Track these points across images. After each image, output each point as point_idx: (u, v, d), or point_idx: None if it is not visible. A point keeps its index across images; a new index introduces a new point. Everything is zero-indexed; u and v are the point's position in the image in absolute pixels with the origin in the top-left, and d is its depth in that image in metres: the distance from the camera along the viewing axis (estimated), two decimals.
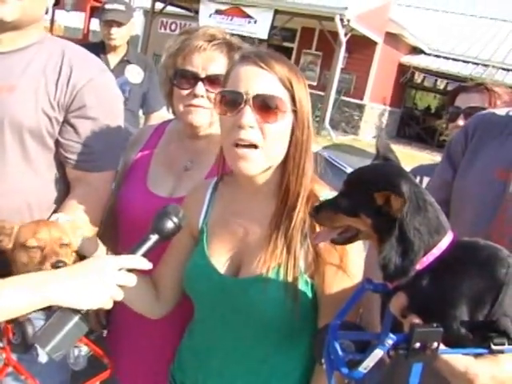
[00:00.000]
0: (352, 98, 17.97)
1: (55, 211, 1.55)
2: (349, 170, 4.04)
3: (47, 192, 1.62)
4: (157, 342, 1.66)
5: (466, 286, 0.91)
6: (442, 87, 18.80)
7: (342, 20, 14.64)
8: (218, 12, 16.04)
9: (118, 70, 3.82)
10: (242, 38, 1.75)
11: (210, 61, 1.60)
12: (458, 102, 2.42)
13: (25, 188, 1.56)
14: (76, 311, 1.11)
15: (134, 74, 3.98)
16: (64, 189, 1.65)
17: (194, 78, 1.61)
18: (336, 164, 4.38)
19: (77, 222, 1.33)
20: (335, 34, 14.99)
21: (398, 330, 0.95)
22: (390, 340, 0.89)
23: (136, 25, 4.52)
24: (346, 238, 1.06)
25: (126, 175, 1.77)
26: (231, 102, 1.27)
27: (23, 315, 1.16)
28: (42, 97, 1.53)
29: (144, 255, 1.22)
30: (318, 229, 1.27)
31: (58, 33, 17.30)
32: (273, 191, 1.36)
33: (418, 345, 0.87)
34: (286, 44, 18.13)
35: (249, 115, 1.24)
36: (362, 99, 17.95)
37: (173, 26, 20.56)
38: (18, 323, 1.26)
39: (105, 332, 1.75)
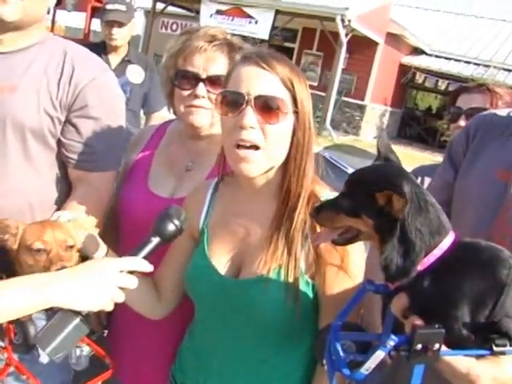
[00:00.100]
0: (353, 99, 17.97)
1: (57, 211, 1.55)
2: (350, 171, 4.04)
3: (49, 192, 1.62)
4: (157, 342, 1.66)
5: (468, 287, 0.91)
6: (443, 88, 18.79)
7: (342, 20, 14.63)
8: (218, 12, 16.04)
9: (119, 70, 3.82)
10: (243, 38, 1.75)
11: (210, 61, 1.60)
12: (459, 102, 2.42)
13: (26, 188, 1.56)
14: (77, 313, 1.11)
15: (135, 74, 3.98)
16: (66, 189, 1.65)
17: (194, 79, 1.60)
18: (337, 164, 4.38)
19: (79, 221, 1.32)
20: (336, 35, 14.99)
21: (400, 331, 0.95)
22: (392, 341, 0.89)
23: (137, 25, 4.53)
24: (347, 238, 1.06)
25: (127, 175, 1.77)
26: (233, 103, 1.27)
27: (25, 315, 1.16)
28: (43, 97, 1.53)
29: (145, 257, 1.22)
30: (318, 230, 1.27)
31: (59, 33, 17.32)
32: (273, 192, 1.36)
33: (419, 346, 0.87)
34: (286, 44, 18.12)
35: (250, 116, 1.24)
36: (362, 100, 17.95)
37: (174, 26, 20.56)
38: (19, 323, 1.26)
39: (105, 332, 1.75)
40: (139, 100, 4.04)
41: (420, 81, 19.44)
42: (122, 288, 1.15)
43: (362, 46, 16.79)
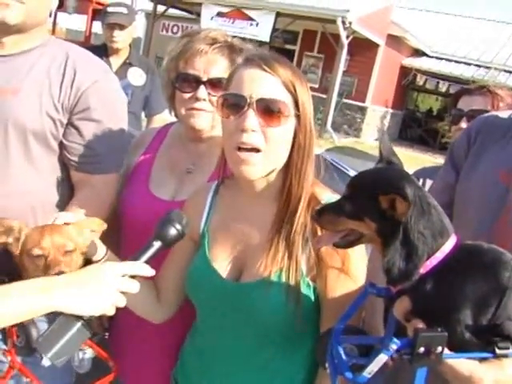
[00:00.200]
0: (354, 101, 17.95)
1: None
2: (351, 173, 4.06)
3: (51, 194, 1.62)
4: (159, 345, 1.66)
5: (470, 290, 0.91)
6: (443, 89, 18.78)
7: (343, 22, 14.62)
8: (219, 15, 16.04)
9: (121, 73, 3.82)
10: (244, 40, 1.75)
11: (211, 64, 1.60)
12: (460, 104, 2.42)
13: (28, 190, 1.57)
14: (78, 317, 1.10)
15: (137, 76, 3.98)
16: (68, 191, 1.65)
17: (195, 82, 1.60)
18: (339, 167, 4.37)
19: (82, 222, 1.32)
20: (337, 37, 14.98)
21: (402, 334, 0.95)
22: (394, 345, 0.89)
23: (138, 27, 4.53)
24: (349, 241, 1.06)
25: (129, 178, 1.77)
26: (234, 105, 1.27)
27: None
28: (46, 99, 1.53)
29: (147, 262, 1.22)
30: (319, 233, 1.27)
31: (60, 35, 17.34)
32: (274, 195, 1.36)
33: (422, 349, 0.87)
34: (287, 46, 18.11)
35: (252, 119, 1.24)
36: (363, 102, 17.94)
37: (175, 29, 20.55)
38: (22, 326, 1.27)
39: (107, 334, 1.75)
40: (140, 102, 4.04)
41: (421, 83, 19.42)
42: (123, 292, 1.15)
43: (362, 48, 16.79)
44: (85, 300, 1.10)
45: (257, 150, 1.26)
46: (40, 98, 1.53)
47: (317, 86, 17.19)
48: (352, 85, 17.85)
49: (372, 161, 1.11)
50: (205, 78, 1.60)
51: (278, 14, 15.33)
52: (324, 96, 15.64)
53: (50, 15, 1.68)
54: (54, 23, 15.78)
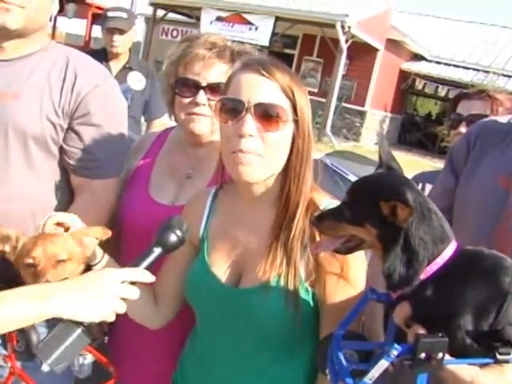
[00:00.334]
0: (353, 105, 17.99)
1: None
2: (351, 177, 4.06)
3: (51, 199, 1.62)
4: (158, 350, 1.65)
5: (471, 295, 0.91)
6: (442, 94, 18.82)
7: (343, 27, 14.67)
8: (219, 19, 16.08)
9: (120, 77, 3.83)
10: (243, 44, 1.75)
11: (211, 69, 1.60)
12: (459, 109, 2.42)
13: (29, 194, 1.57)
14: (78, 323, 1.10)
15: (136, 80, 3.98)
16: (68, 196, 1.65)
17: (195, 87, 1.60)
18: (338, 171, 4.37)
19: (85, 231, 1.31)
20: (336, 41, 15.02)
21: (402, 340, 0.94)
22: (395, 350, 0.88)
23: (137, 31, 4.54)
24: (349, 247, 1.06)
25: (128, 182, 1.77)
26: (232, 110, 1.26)
27: None
28: (46, 104, 1.54)
29: (147, 268, 1.21)
30: (317, 238, 1.26)
31: (60, 39, 17.39)
32: (272, 200, 1.35)
33: (423, 355, 0.87)
34: (287, 51, 18.16)
35: (250, 124, 1.23)
36: (363, 106, 17.97)
37: (174, 33, 20.61)
38: (22, 331, 1.26)
39: (106, 339, 1.75)
40: (140, 107, 4.04)
41: (420, 87, 19.47)
42: (123, 298, 1.15)
43: (362, 53, 16.83)
44: (84, 306, 1.10)
45: (255, 155, 1.25)
46: (40, 102, 1.53)
47: (316, 90, 17.23)
48: (351, 89, 17.88)
49: (371, 165, 1.10)
50: (204, 83, 1.60)
51: (278, 19, 15.37)
52: (323, 100, 15.68)
53: (50, 19, 1.68)
54: (54, 27, 15.83)
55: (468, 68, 19.19)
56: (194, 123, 1.63)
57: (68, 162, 1.61)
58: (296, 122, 1.29)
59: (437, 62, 19.74)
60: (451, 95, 15.39)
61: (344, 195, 1.03)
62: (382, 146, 1.08)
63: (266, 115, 1.24)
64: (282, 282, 1.27)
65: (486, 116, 2.11)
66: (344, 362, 1.00)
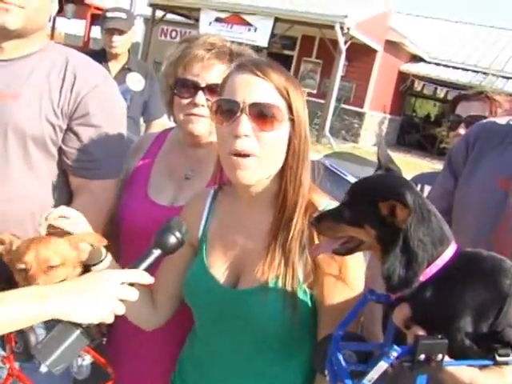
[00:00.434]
0: (352, 106, 18.00)
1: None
2: (350, 178, 4.06)
3: (50, 199, 1.62)
4: (157, 351, 1.65)
5: (470, 297, 0.91)
6: (441, 95, 18.84)
7: (342, 28, 14.67)
8: (218, 20, 16.08)
9: (119, 78, 3.82)
10: (241, 45, 1.75)
11: (210, 70, 1.60)
12: (458, 110, 2.42)
13: (28, 195, 1.56)
14: (77, 325, 1.10)
15: (135, 81, 3.98)
16: (67, 197, 1.65)
17: (194, 87, 1.60)
18: (337, 172, 4.37)
19: (81, 236, 1.30)
20: (335, 42, 15.02)
21: (401, 341, 0.94)
22: (395, 352, 0.88)
23: (136, 32, 4.54)
24: (348, 248, 1.06)
25: (127, 183, 1.77)
26: (227, 111, 1.26)
27: None
28: (45, 104, 1.54)
29: (146, 270, 1.21)
30: (316, 239, 1.26)
31: (59, 40, 17.37)
32: (270, 201, 1.35)
33: (422, 357, 0.87)
34: (286, 52, 18.17)
35: (245, 124, 1.23)
36: (361, 107, 17.98)
37: (173, 34, 20.61)
38: (20, 332, 1.26)
39: (104, 340, 1.74)
40: (139, 107, 4.04)
41: (419, 88, 19.49)
42: (122, 300, 1.15)
43: (360, 54, 16.85)
44: (83, 307, 1.09)
45: (251, 155, 1.25)
46: (40, 102, 1.53)
47: (315, 91, 17.25)
48: (350, 90, 17.90)
49: (370, 166, 1.11)
50: (203, 84, 1.60)
51: (277, 20, 15.37)
52: (322, 101, 15.69)
53: (49, 20, 1.68)
54: (53, 28, 15.83)
55: (467, 69, 19.22)
56: (193, 124, 1.62)
57: (67, 162, 1.61)
58: (292, 121, 1.29)
59: (436, 64, 19.77)
60: (450, 97, 15.41)
61: (343, 196, 1.03)
62: (380, 148, 1.08)
63: (261, 115, 1.24)
64: (280, 283, 1.27)
65: (485, 117, 2.12)
66: (343, 362, 0.99)
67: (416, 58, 19.93)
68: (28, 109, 1.52)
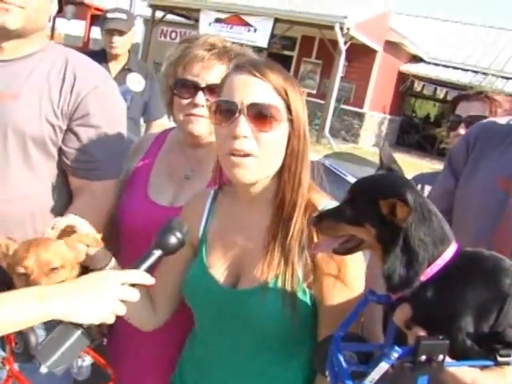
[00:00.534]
0: (352, 107, 18.00)
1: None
2: (350, 178, 4.06)
3: (50, 200, 1.62)
4: (157, 352, 1.65)
5: (471, 297, 0.91)
6: (441, 95, 18.85)
7: (341, 28, 14.68)
8: (217, 20, 16.09)
9: (120, 79, 3.82)
10: (241, 46, 1.75)
11: (209, 70, 1.60)
12: (458, 110, 2.42)
13: (28, 195, 1.56)
14: (78, 325, 1.10)
15: (136, 82, 3.98)
16: (66, 197, 1.65)
17: (194, 88, 1.60)
18: (337, 172, 4.37)
19: (78, 237, 1.30)
20: (335, 43, 15.03)
21: (402, 341, 0.94)
22: (396, 353, 0.88)
23: (136, 33, 4.54)
24: (348, 247, 1.05)
25: (127, 183, 1.77)
26: (226, 112, 1.26)
27: None
28: (45, 104, 1.54)
29: (147, 270, 1.21)
30: (316, 239, 1.26)
31: (58, 41, 17.38)
32: (270, 201, 1.35)
33: (423, 357, 0.86)
34: (285, 52, 18.17)
35: (243, 125, 1.23)
36: (361, 107, 17.99)
37: (173, 35, 20.61)
38: (20, 332, 1.25)
39: (105, 340, 1.74)
40: (139, 108, 4.04)
41: (418, 89, 19.49)
42: (123, 300, 1.15)
43: (360, 54, 16.85)
44: (84, 308, 1.09)
45: (250, 155, 1.25)
46: (40, 103, 1.53)
47: (315, 91, 17.26)
48: (350, 91, 17.90)
49: (370, 166, 1.11)
50: (203, 84, 1.60)
51: (276, 20, 15.38)
52: (322, 102, 15.70)
53: (49, 21, 1.68)
54: (53, 28, 15.83)
55: (466, 70, 19.22)
56: (193, 124, 1.62)
57: (67, 163, 1.61)
58: (291, 121, 1.29)
59: (435, 64, 19.77)
60: (450, 97, 15.41)
61: (343, 197, 1.03)
62: (383, 148, 1.08)
63: (260, 116, 1.24)
64: (279, 283, 1.27)
65: (485, 117, 2.12)
66: (344, 363, 0.99)
67: (416, 59, 19.93)
68: (28, 109, 1.52)
